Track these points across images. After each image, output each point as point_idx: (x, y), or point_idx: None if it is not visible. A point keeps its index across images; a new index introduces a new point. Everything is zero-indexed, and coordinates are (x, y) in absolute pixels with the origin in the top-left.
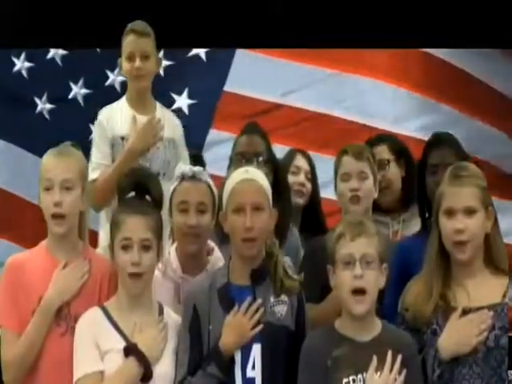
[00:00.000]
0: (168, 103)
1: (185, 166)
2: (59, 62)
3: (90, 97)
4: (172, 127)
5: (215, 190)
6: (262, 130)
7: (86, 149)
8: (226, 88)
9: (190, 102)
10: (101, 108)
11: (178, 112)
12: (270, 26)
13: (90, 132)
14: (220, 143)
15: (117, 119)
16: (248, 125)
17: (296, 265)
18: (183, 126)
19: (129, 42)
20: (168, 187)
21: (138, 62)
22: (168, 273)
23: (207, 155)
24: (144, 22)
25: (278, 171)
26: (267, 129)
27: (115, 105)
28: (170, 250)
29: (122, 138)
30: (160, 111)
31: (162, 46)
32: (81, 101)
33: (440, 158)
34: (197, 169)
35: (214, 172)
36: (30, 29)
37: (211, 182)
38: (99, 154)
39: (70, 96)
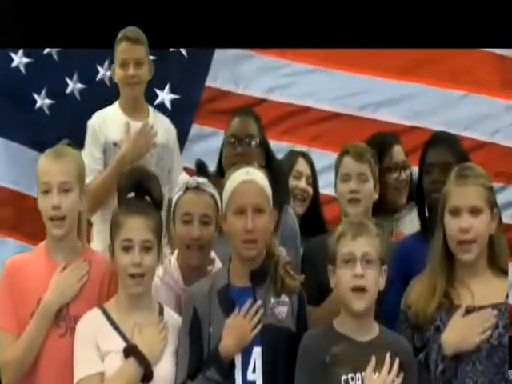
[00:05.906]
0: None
1: (189, 177)
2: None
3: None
4: (165, 132)
5: (219, 200)
6: (256, 114)
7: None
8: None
9: (173, 96)
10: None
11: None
12: (270, 26)
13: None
14: (203, 138)
15: (110, 125)
16: (242, 108)
17: (295, 249)
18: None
19: (122, 49)
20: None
21: (131, 70)
22: (168, 282)
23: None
24: (137, 29)
25: (269, 153)
26: None
27: (108, 110)
28: (171, 259)
29: (115, 144)
30: (153, 116)
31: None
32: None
33: (435, 157)
34: (201, 180)
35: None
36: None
37: (216, 193)
38: (91, 159)
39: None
